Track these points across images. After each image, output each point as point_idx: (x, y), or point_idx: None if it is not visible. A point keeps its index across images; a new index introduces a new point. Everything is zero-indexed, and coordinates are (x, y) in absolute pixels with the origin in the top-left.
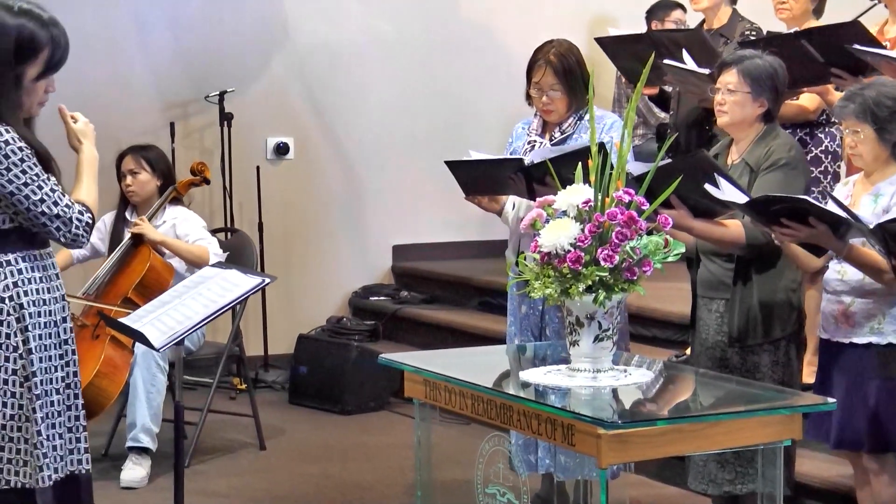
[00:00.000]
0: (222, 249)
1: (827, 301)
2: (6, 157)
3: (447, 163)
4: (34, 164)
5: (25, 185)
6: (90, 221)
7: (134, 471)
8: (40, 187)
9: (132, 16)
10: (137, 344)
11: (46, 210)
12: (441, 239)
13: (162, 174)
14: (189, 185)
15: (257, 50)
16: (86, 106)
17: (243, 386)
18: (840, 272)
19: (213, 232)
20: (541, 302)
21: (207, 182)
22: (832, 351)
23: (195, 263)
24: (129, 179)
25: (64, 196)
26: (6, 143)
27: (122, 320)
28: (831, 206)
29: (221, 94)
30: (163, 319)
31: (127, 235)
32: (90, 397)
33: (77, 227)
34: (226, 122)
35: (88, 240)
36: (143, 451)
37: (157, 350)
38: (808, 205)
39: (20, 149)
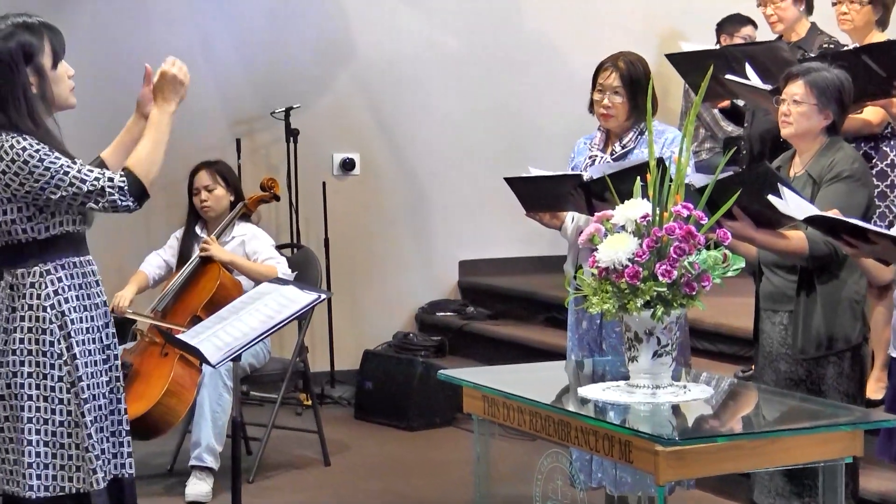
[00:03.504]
0: (288, 265)
1: None
2: (25, 162)
3: (506, 179)
4: (56, 157)
5: (52, 177)
6: (123, 183)
7: (198, 485)
8: (66, 172)
9: (198, 33)
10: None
11: (77, 192)
12: (507, 254)
13: (234, 189)
14: (259, 200)
15: (322, 66)
16: None
17: (309, 402)
18: None
19: (279, 248)
20: (599, 317)
21: (277, 198)
22: None
23: None
24: (204, 195)
25: (91, 172)
26: (23, 149)
27: (180, 336)
28: None
29: (287, 111)
30: (220, 335)
31: (196, 252)
32: (158, 415)
33: (111, 194)
34: (292, 138)
35: (131, 201)
36: (206, 468)
37: (213, 366)
38: (861, 228)
39: (37, 151)
